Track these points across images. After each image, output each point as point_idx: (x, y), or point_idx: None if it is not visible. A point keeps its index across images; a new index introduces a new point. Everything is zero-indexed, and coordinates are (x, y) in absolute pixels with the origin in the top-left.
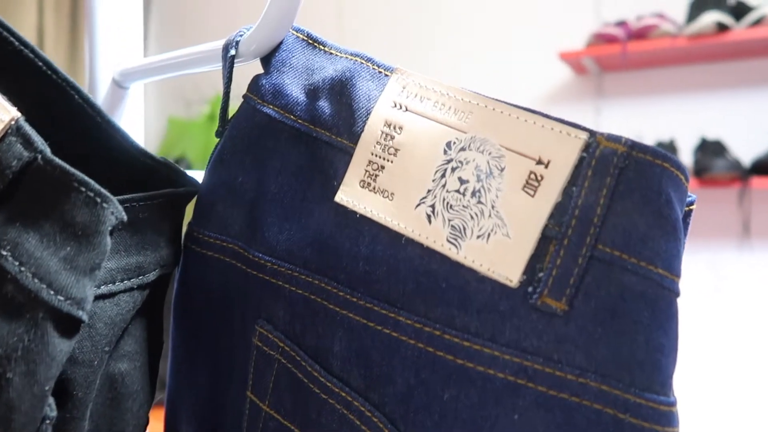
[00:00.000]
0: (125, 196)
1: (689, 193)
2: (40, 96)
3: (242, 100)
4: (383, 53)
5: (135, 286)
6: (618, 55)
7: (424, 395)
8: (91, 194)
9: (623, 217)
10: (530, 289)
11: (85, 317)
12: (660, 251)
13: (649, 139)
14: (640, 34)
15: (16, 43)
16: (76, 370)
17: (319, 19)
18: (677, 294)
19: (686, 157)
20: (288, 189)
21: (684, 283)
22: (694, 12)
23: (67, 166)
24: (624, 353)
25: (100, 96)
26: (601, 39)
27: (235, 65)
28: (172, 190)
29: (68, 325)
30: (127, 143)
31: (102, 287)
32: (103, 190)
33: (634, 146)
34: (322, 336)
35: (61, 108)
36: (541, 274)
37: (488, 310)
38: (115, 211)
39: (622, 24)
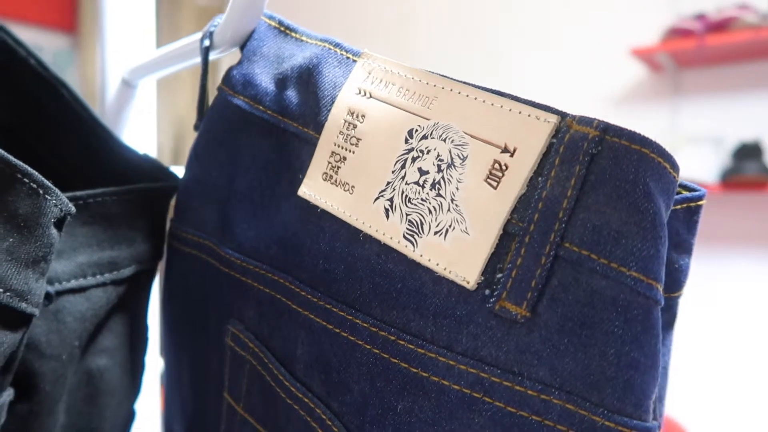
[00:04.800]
0: (95, 191)
1: (697, 187)
2: (33, 94)
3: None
4: (447, 52)
5: (108, 281)
6: (695, 50)
7: (378, 406)
8: (34, 185)
9: (593, 211)
10: (488, 291)
11: (30, 310)
12: (634, 251)
13: (731, 139)
14: (720, 26)
15: (11, 42)
16: (43, 364)
17: (379, 18)
18: (657, 302)
19: None
20: (258, 184)
21: (759, 296)
22: None
23: (10, 157)
24: (592, 368)
25: (110, 96)
26: (677, 33)
27: (212, 56)
28: (146, 185)
29: (10, 318)
30: (112, 140)
31: (72, 281)
32: (46, 182)
33: (607, 129)
34: (287, 338)
35: (53, 106)
36: (499, 275)
37: (444, 314)
38: (59, 203)
39: (700, 17)
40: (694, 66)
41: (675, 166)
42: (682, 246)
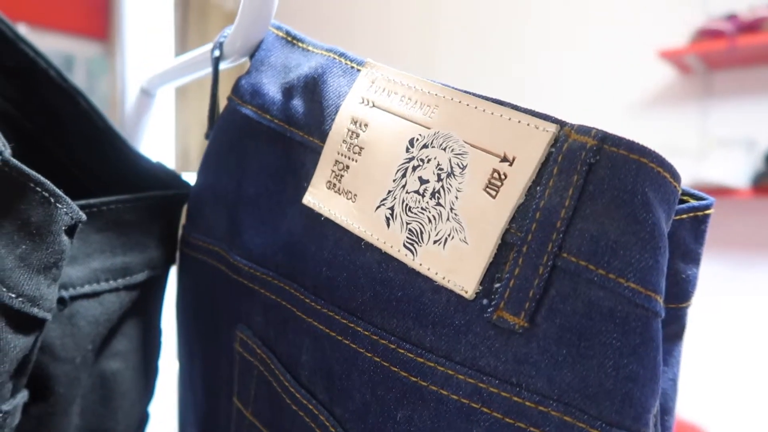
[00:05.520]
0: (109, 198)
1: (705, 195)
2: (52, 103)
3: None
4: (471, 54)
5: (121, 287)
6: (726, 51)
7: (379, 414)
8: (46, 194)
9: (591, 221)
10: (485, 301)
11: (42, 315)
12: (632, 262)
13: (763, 142)
14: (752, 27)
15: (32, 54)
16: (57, 367)
17: (409, 24)
18: (656, 314)
19: None
20: (265, 191)
21: None
22: None
23: (23, 167)
24: (591, 380)
25: (129, 104)
26: (707, 34)
27: (222, 66)
28: (158, 193)
29: (23, 322)
30: (127, 148)
31: (86, 286)
32: (57, 191)
33: (605, 138)
34: (292, 344)
35: (71, 114)
36: (497, 285)
37: (443, 323)
38: (69, 211)
39: (731, 17)
40: (725, 68)
41: (675, 176)
42: (689, 256)
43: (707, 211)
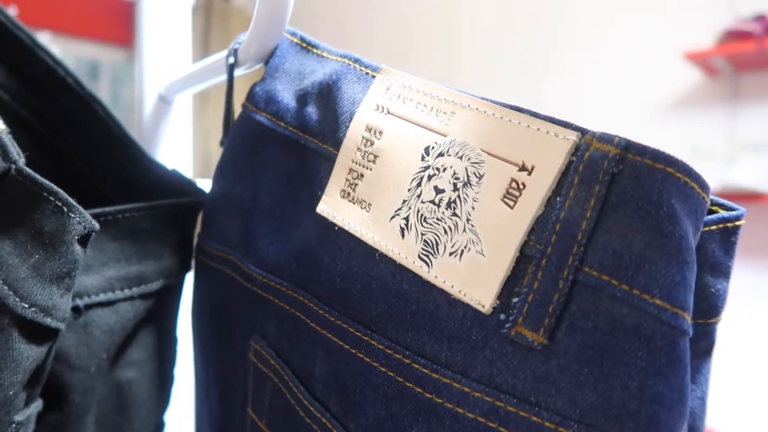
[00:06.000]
0: (124, 206)
1: (735, 206)
2: (70, 110)
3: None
4: (494, 56)
5: (135, 295)
6: (754, 53)
7: (393, 430)
8: (59, 204)
9: (614, 234)
10: (503, 316)
11: (55, 324)
12: (658, 277)
13: None
14: None
15: (50, 62)
16: (72, 375)
17: (430, 29)
18: (684, 332)
19: None
20: (279, 199)
21: None
22: None
23: (37, 176)
24: (614, 401)
25: (147, 112)
26: (734, 36)
27: (237, 73)
28: (173, 201)
29: (36, 332)
30: (142, 156)
31: (100, 295)
32: (70, 200)
33: (629, 147)
34: (305, 356)
35: (87, 121)
36: (515, 300)
37: (459, 338)
38: (82, 220)
39: (759, 18)
40: (753, 70)
41: (704, 186)
42: (719, 269)
43: (738, 222)
